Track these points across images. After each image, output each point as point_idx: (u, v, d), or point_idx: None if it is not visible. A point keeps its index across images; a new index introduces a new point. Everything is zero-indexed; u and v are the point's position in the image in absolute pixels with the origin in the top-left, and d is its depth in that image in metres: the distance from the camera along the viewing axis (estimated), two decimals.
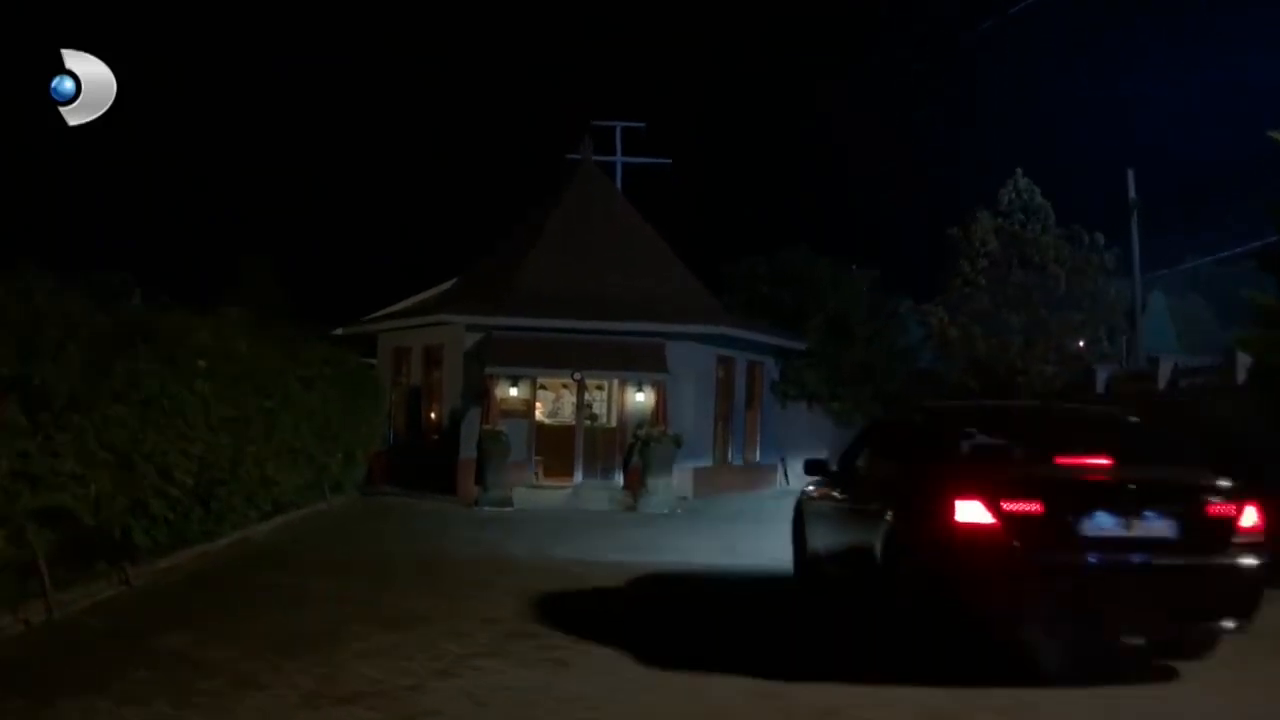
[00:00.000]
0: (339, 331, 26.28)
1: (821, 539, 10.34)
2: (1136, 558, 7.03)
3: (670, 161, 34.24)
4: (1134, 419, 9.30)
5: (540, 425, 23.88)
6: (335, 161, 56.72)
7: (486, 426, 20.77)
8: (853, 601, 9.36)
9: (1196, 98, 51.99)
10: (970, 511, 7.02)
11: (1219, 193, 28.56)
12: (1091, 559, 6.98)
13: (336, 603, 9.69)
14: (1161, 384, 20.94)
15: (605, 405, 24.79)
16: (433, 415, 24.39)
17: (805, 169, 62.39)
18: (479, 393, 22.07)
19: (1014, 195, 26.21)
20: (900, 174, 53.49)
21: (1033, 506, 7.00)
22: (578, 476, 22.85)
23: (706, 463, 23.47)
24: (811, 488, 11.20)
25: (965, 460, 7.91)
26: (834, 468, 10.53)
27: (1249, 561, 7.16)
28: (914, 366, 28.54)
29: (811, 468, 10.89)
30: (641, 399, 22.74)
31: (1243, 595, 7.20)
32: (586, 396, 24.10)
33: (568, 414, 23.85)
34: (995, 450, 8.03)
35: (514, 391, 22.57)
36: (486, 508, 19.79)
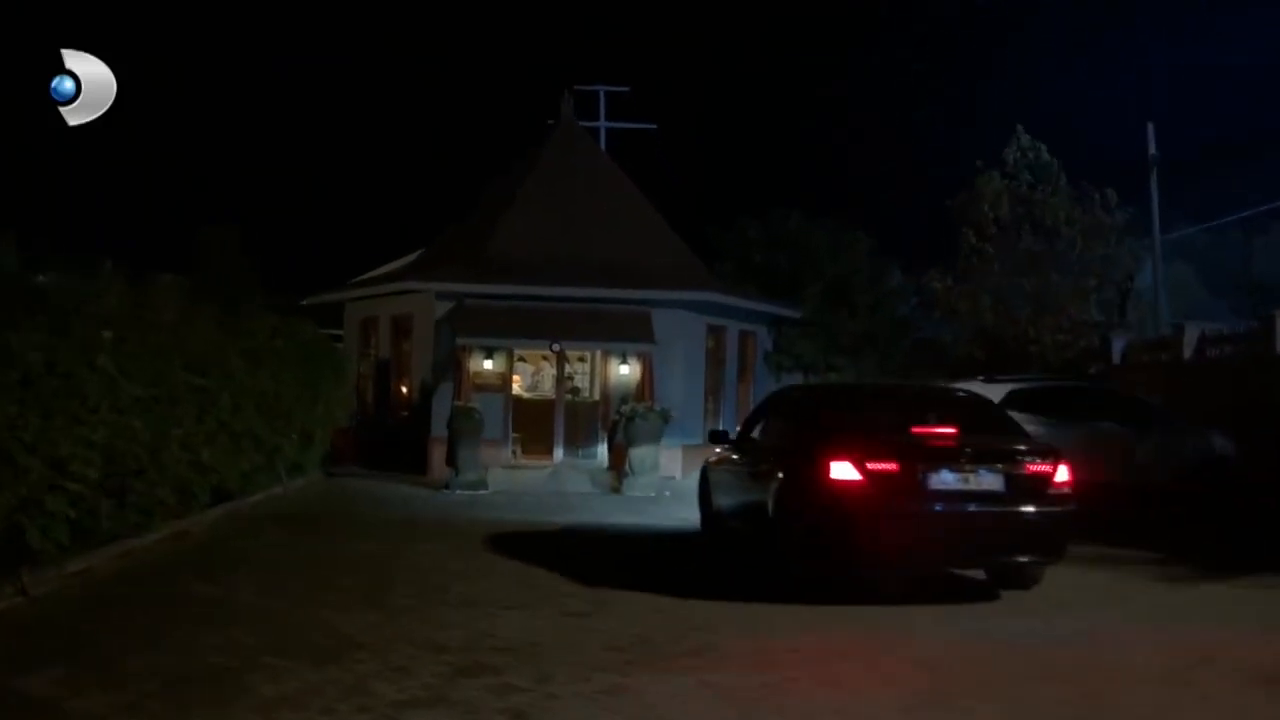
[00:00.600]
0: (306, 303, 24.63)
1: (722, 498, 12.00)
2: (972, 506, 8.88)
3: (655, 127, 33.41)
4: (980, 397, 11.41)
5: (518, 400, 22.31)
6: (310, 131, 54.75)
7: (458, 402, 19.13)
8: (748, 550, 10.88)
9: (1181, 71, 50.74)
10: (841, 470, 8.77)
11: (1205, 162, 26.96)
12: (937, 507, 8.83)
13: (259, 621, 8.06)
14: (1187, 352, 19.45)
15: (588, 378, 23.19)
16: (403, 390, 22.75)
17: (798, 134, 60.67)
18: (450, 366, 20.45)
19: (1018, 154, 24.55)
20: (899, 138, 51.64)
21: (890, 466, 8.80)
22: (558, 455, 21.30)
23: (696, 440, 21.77)
24: (716, 454, 12.76)
25: (838, 429, 9.46)
26: (733, 437, 12.47)
27: (1060, 509, 9.08)
28: (916, 337, 26.94)
29: (714, 437, 13.21)
30: (626, 371, 21.13)
31: (1055, 536, 9.14)
32: (567, 369, 22.51)
33: (548, 388, 22.28)
34: (862, 421, 9.70)
35: (488, 364, 20.94)
36: (458, 491, 18.20)
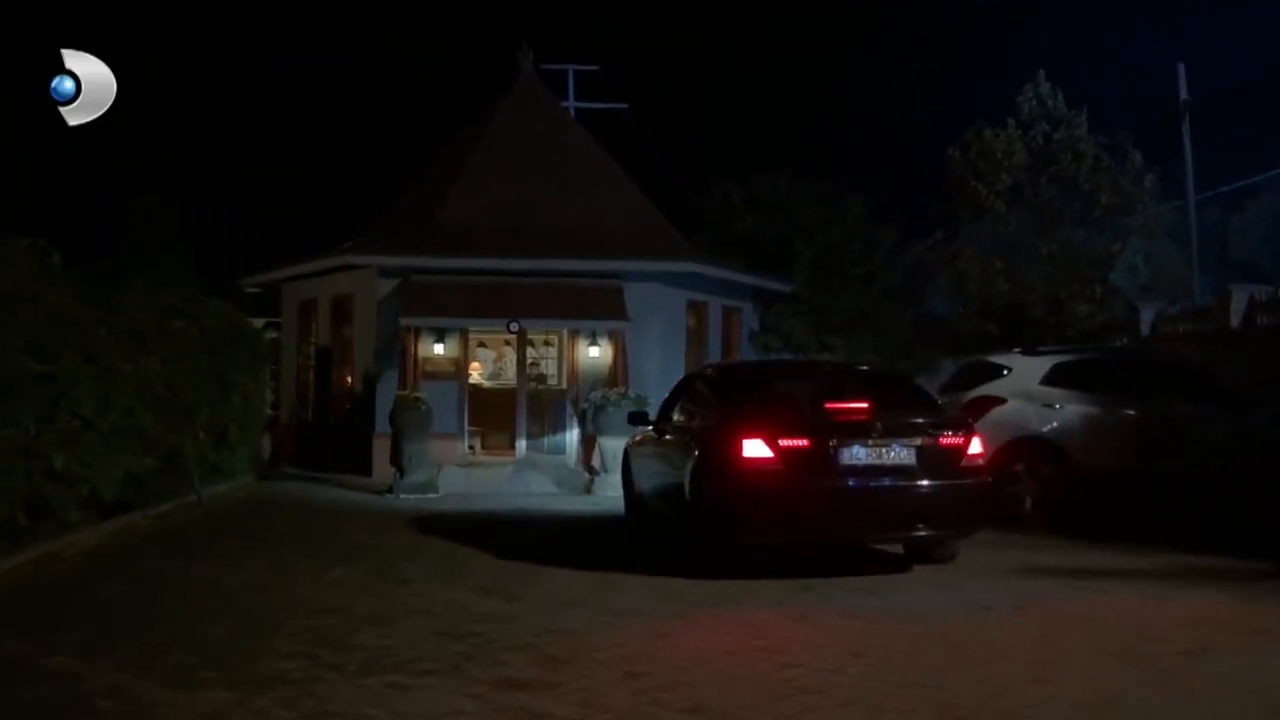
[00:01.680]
0: (245, 284, 22.04)
1: (643, 479, 11.80)
2: (885, 481, 8.77)
3: (626, 106, 31.82)
4: (896, 375, 12.48)
5: (476, 389, 19.77)
6: (257, 104, 51.69)
7: (401, 392, 16.60)
8: (667, 528, 10.59)
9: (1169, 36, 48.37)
10: (754, 448, 8.62)
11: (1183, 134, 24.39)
12: (849, 482, 8.72)
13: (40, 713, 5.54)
14: (1235, 320, 17.03)
15: (555, 362, 20.68)
16: (346, 380, 20.12)
17: (784, 97, 57.58)
18: (396, 351, 17.90)
19: (1034, 103, 22.04)
20: (894, 88, 48.42)
21: (802, 443, 8.67)
22: (522, 449, 18.76)
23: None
24: (638, 436, 12.55)
25: (750, 408, 9.27)
26: (653, 418, 12.04)
27: (972, 482, 8.98)
28: (916, 312, 24.44)
29: (634, 419, 12.81)
30: (596, 354, 18.61)
31: (966, 510, 9.04)
32: (531, 352, 19.97)
33: (512, 375, 19.72)
34: (774, 399, 9.61)
35: (439, 348, 18.38)
36: (402, 495, 15.69)
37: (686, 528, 9.58)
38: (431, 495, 15.77)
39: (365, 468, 18.10)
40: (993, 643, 6.78)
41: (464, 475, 17.39)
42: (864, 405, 9.18)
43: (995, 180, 21.46)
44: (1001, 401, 12.42)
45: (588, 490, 16.14)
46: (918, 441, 8.85)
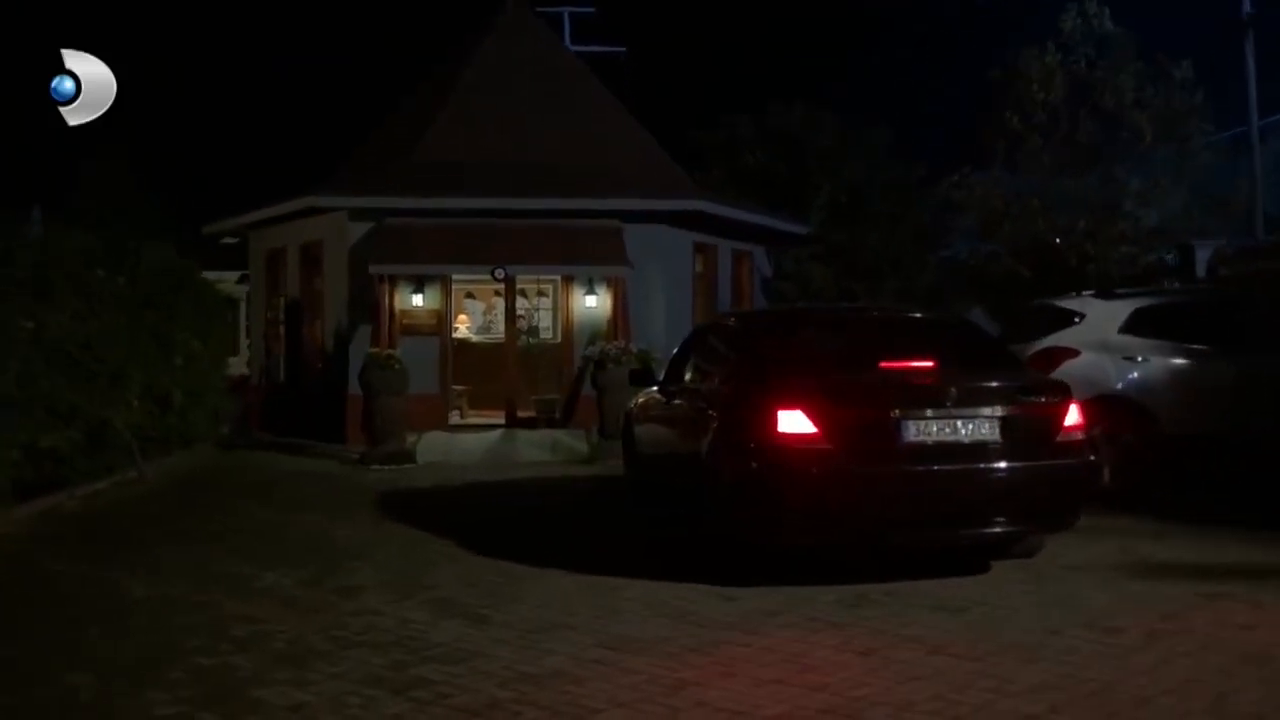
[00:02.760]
0: (233, 239, 20.17)
1: (648, 451, 10.01)
2: (961, 462, 6.76)
3: (624, 50, 29.82)
4: (960, 319, 9.75)
5: (461, 344, 17.87)
6: (230, 38, 49.04)
7: (373, 350, 14.67)
8: (677, 509, 8.73)
9: None
10: (792, 422, 6.66)
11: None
12: (916, 466, 6.72)
13: None
14: None
15: (550, 313, 18.74)
16: (317, 337, 18.14)
17: (799, 15, 54.19)
18: (370, 304, 15.95)
19: (1078, 21, 19.84)
20: (925, 8, 44.87)
21: (855, 414, 6.78)
22: (512, 411, 16.82)
23: None
24: (641, 398, 10.57)
25: (786, 368, 7.28)
26: (660, 377, 10.07)
27: (1072, 463, 7.00)
28: (943, 254, 22.42)
29: (636, 378, 10.72)
30: (594, 303, 16.64)
31: (1068, 499, 7.04)
32: (521, 303, 18.02)
33: (504, 329, 17.76)
34: (816, 356, 7.63)
35: (418, 300, 16.43)
36: (375, 467, 13.80)
37: (703, 515, 7.68)
38: (408, 466, 13.89)
39: (338, 433, 16.19)
40: (1142, 691, 4.87)
41: (446, 442, 15.49)
42: (928, 363, 7.28)
43: (1033, 109, 19.32)
44: (1073, 354, 10.45)
45: (588, 462, 14.21)
46: (1002, 410, 6.85)
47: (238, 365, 20.22)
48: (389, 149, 18.31)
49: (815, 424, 6.61)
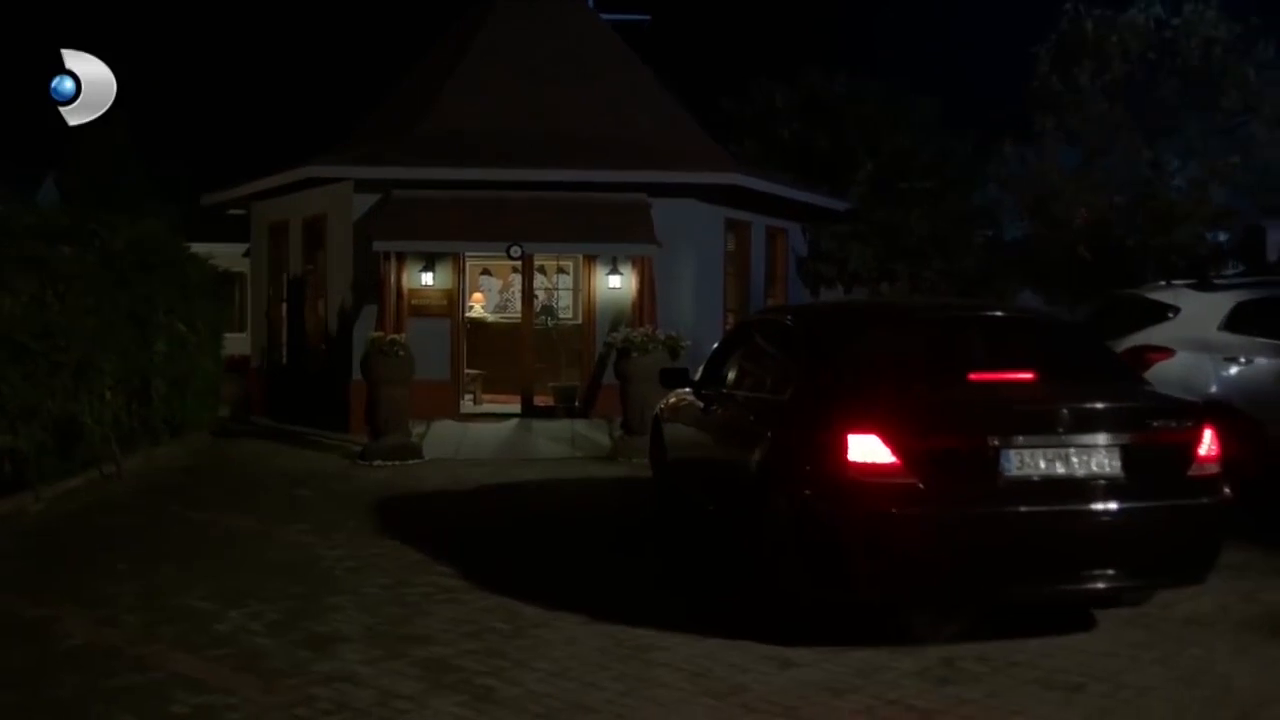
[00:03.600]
0: (238, 210, 19.02)
1: (683, 463, 8.62)
2: (1072, 503, 5.43)
3: (649, 19, 28.25)
4: (1060, 318, 8.46)
5: (476, 325, 16.74)
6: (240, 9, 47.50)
7: (375, 334, 13.44)
8: (719, 536, 7.73)
9: None
10: (867, 448, 5.35)
11: None
12: (1020, 506, 5.39)
13: None
14: None
15: (571, 294, 17.51)
16: (320, 318, 16.93)
17: None
18: (375, 283, 14.74)
19: None
20: None
21: (947, 440, 5.45)
22: (528, 400, 15.60)
23: None
24: (673, 399, 9.31)
25: (858, 380, 5.94)
26: (696, 378, 8.55)
27: (1205, 502, 5.61)
28: (991, 234, 21.00)
29: (668, 378, 9.25)
30: (617, 284, 15.37)
31: (1203, 547, 5.69)
32: (540, 282, 16.81)
33: (520, 309, 16.53)
34: (893, 364, 6.15)
35: (427, 278, 15.20)
36: (377, 463, 12.61)
37: (753, 554, 6.45)
38: (413, 462, 12.69)
39: (341, 421, 15.04)
40: None
41: (458, 433, 14.31)
42: (1028, 376, 5.98)
43: (1114, 63, 17.74)
44: (1167, 354, 9.17)
45: (611, 459, 12.97)
46: (1124, 437, 5.54)
47: (242, 345, 19.07)
48: (398, 117, 17.06)
49: (895, 453, 5.33)
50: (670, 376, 9.26)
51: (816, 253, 18.74)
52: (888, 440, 5.34)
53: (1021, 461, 5.41)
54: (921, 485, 5.30)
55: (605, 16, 27.21)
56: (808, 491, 5.62)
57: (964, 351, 6.35)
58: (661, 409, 9.63)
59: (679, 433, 8.82)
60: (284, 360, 17.81)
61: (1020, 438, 5.43)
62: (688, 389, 8.69)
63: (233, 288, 19.76)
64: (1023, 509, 5.40)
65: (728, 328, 16.83)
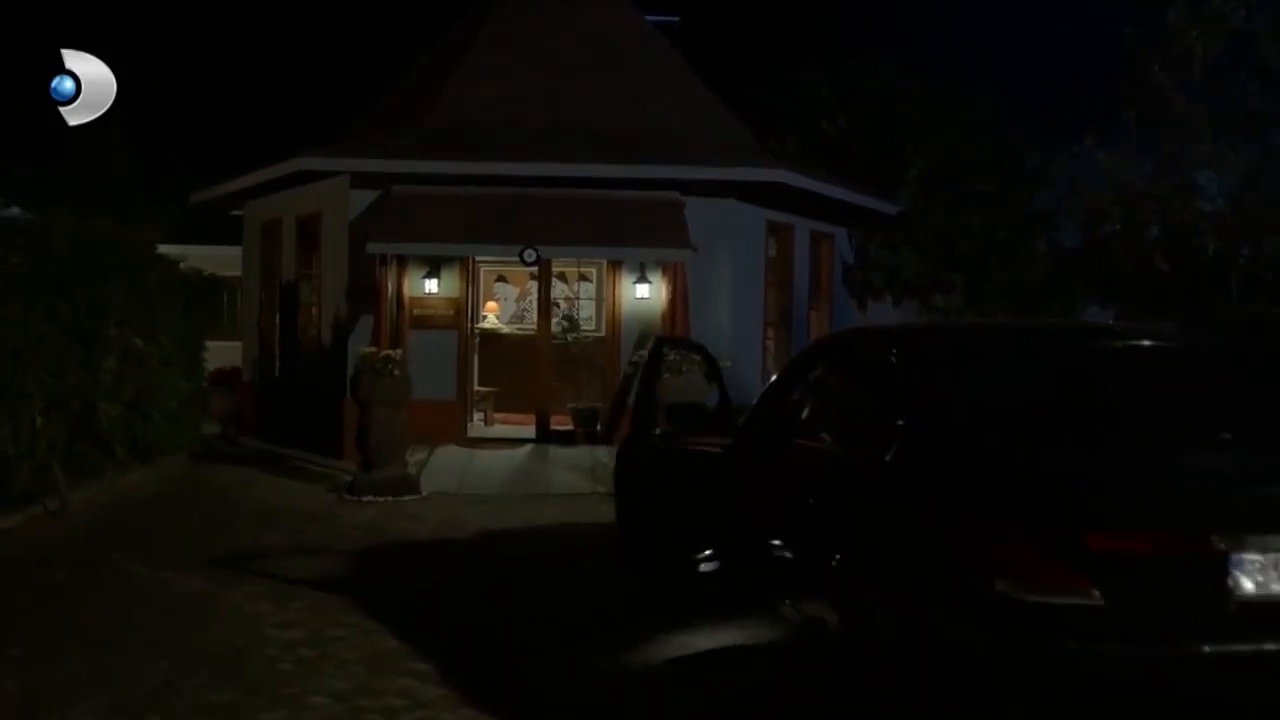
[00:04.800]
0: (239, 212, 17.44)
1: (693, 538, 6.09)
2: None
3: (678, 20, 26.59)
4: (1245, 347, 5.28)
5: (489, 336, 15.05)
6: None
7: (367, 349, 11.74)
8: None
9: None
10: (1031, 564, 3.50)
11: None
12: (1263, 642, 3.50)
13: None
14: None
15: (594, 303, 15.79)
16: (314, 327, 15.23)
17: None
18: (370, 290, 13.06)
19: None
20: None
21: (1148, 541, 3.53)
22: (543, 424, 13.86)
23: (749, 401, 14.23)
24: (659, 439, 6.82)
25: (1002, 446, 4.02)
26: (739, 422, 6.07)
27: None
28: (1050, 240, 19.15)
29: (680, 417, 6.66)
30: (645, 293, 13.61)
31: None
32: (560, 291, 15.11)
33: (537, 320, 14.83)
34: (1050, 422, 4.25)
35: (431, 285, 13.51)
36: (366, 497, 10.93)
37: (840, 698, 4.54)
38: (407, 498, 10.99)
39: (335, 445, 13.36)
40: None
41: (462, 461, 12.62)
42: (1227, 436, 4.22)
43: (1188, 67, 15.97)
44: None
45: None
46: None
47: (236, 356, 17.43)
48: (402, 108, 15.37)
49: (1070, 560, 3.51)
50: (684, 415, 6.75)
51: (864, 260, 16.93)
52: (1057, 540, 3.55)
53: (1262, 575, 3.56)
54: (1110, 609, 3.47)
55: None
56: (932, 610, 3.79)
57: (1138, 399, 4.54)
58: (645, 453, 7.11)
59: (683, 497, 6.42)
60: (276, 374, 16.13)
61: (1258, 538, 3.58)
62: (708, 434, 6.41)
63: (221, 294, 18.23)
64: (1269, 647, 3.55)
65: (770, 346, 15.12)
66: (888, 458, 4.36)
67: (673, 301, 13.07)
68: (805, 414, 5.71)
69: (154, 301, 11.12)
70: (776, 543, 5.36)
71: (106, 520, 9.82)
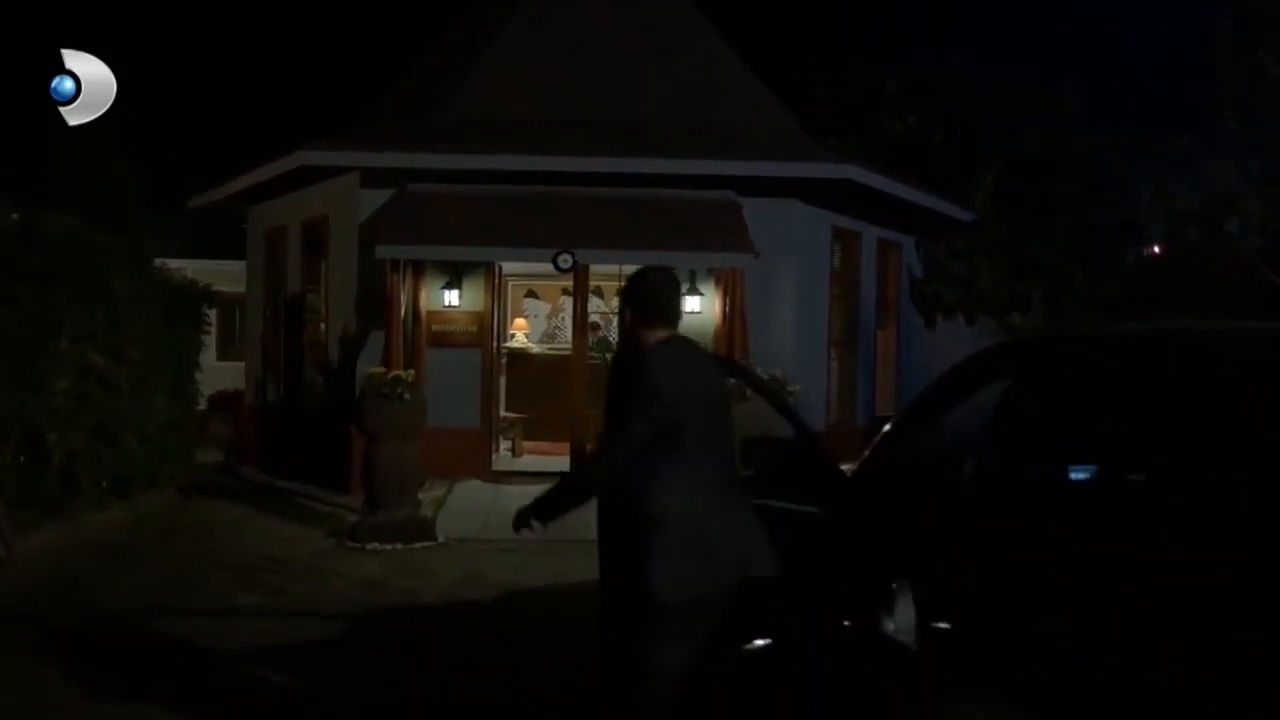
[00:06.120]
0: (194, 205, 15.91)
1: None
2: None
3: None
4: None
5: (518, 356, 13.38)
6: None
7: (374, 370, 10.05)
8: None
9: None
10: None
11: None
12: None
13: None
14: None
15: None
16: (322, 345, 13.57)
17: None
18: (380, 301, 11.41)
19: None
20: None
21: None
22: (580, 455, 12.15)
23: (816, 429, 12.28)
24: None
25: None
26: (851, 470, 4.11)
27: None
28: (1137, 252, 17.35)
29: (754, 451, 4.36)
30: (696, 306, 11.86)
31: None
32: (597, 305, 13.43)
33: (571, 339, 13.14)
34: None
35: (451, 297, 11.86)
36: (371, 545, 9.23)
37: None
38: (420, 546, 9.29)
39: (341, 479, 11.69)
40: None
41: (486, 499, 10.93)
42: None
43: None
44: None
45: None
46: None
47: (239, 377, 15.86)
48: (420, 99, 13.73)
49: None
50: (758, 450, 4.45)
51: (935, 272, 15.15)
52: None
53: None
54: None
55: None
56: None
57: None
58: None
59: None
60: (281, 396, 14.50)
61: None
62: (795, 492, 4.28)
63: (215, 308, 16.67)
64: None
65: (834, 367, 13.35)
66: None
67: (730, 316, 11.34)
68: (989, 459, 3.72)
69: (123, 311, 9.46)
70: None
71: (49, 573, 8.17)
